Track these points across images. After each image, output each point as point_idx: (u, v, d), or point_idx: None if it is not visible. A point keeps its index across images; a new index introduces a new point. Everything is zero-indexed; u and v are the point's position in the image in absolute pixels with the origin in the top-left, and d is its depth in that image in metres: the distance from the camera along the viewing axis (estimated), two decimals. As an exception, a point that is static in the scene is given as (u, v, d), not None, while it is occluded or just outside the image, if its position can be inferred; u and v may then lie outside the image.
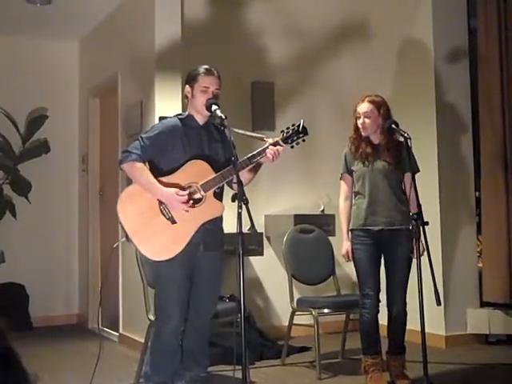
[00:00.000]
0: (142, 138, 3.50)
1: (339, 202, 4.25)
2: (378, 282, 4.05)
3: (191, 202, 3.40)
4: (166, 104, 5.11)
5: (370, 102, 4.08)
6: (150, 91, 5.24)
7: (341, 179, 4.25)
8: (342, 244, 4.21)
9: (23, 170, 6.62)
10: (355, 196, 4.17)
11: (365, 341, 4.10)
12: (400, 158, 4.03)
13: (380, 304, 4.07)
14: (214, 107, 3.43)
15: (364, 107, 4.06)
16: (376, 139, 4.10)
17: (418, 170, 4.09)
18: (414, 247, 3.60)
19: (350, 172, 4.18)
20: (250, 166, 3.50)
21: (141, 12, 5.53)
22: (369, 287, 4.02)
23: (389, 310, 4.08)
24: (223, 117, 3.36)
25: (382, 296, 4.09)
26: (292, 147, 3.57)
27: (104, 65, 6.39)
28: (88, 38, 6.88)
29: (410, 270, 4.01)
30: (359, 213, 4.07)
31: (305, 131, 3.53)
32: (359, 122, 4.07)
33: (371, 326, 4.05)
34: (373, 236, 4.04)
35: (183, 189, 3.40)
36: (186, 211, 3.38)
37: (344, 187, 4.23)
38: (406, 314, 4.06)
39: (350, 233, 4.14)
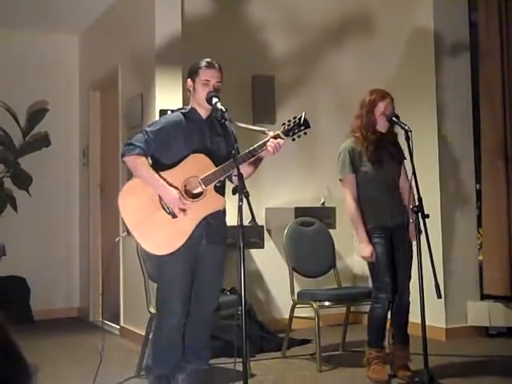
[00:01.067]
0: (146, 131, 3.49)
1: (348, 204, 4.10)
2: (393, 277, 4.06)
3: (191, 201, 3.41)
4: (167, 97, 5.10)
5: (393, 100, 4.04)
6: (150, 84, 5.24)
7: (343, 180, 4.12)
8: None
9: (24, 163, 6.63)
10: (367, 195, 4.10)
11: (373, 334, 4.12)
12: (400, 148, 4.06)
13: None
14: (214, 100, 3.43)
15: (391, 106, 4.00)
16: (379, 127, 4.09)
17: (405, 158, 4.10)
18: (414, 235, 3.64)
19: (354, 171, 4.10)
20: (251, 160, 3.50)
21: (141, 5, 5.52)
22: (386, 282, 4.03)
23: (397, 301, 4.10)
24: (224, 109, 3.36)
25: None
26: (293, 140, 3.57)
27: (104, 58, 6.38)
28: (88, 31, 6.86)
29: (412, 260, 4.04)
30: (378, 213, 4.08)
31: (306, 124, 3.52)
32: (385, 121, 4.00)
33: (382, 320, 4.07)
34: (387, 232, 4.07)
35: (182, 187, 3.40)
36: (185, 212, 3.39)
37: (350, 188, 4.09)
38: (409, 303, 4.10)
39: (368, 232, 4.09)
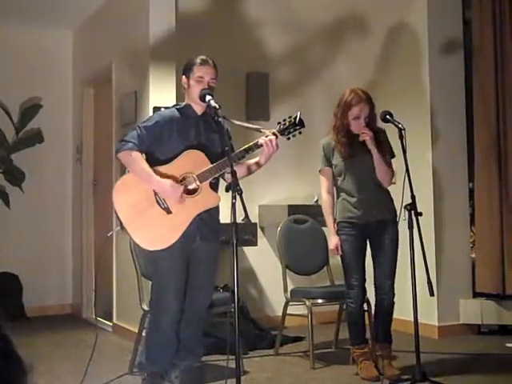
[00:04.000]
0: (139, 127, 3.50)
1: (322, 196, 4.23)
2: (363, 273, 4.09)
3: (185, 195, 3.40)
4: (161, 94, 5.10)
5: (371, 103, 4.04)
6: (144, 81, 5.23)
7: (320, 173, 4.22)
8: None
9: (17, 159, 6.60)
10: (339, 190, 4.15)
11: (352, 331, 4.14)
12: (379, 144, 4.05)
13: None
14: (207, 97, 3.43)
15: (366, 110, 4.00)
16: (354, 130, 4.09)
17: (394, 156, 4.14)
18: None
19: (330, 165, 4.17)
20: (246, 159, 3.51)
21: (135, 2, 5.51)
22: (354, 278, 4.06)
23: (378, 300, 4.10)
24: (217, 106, 3.36)
25: (370, 287, 4.13)
26: (288, 139, 3.58)
27: (98, 54, 6.36)
28: (83, 27, 6.84)
29: (396, 259, 4.05)
30: (347, 206, 4.08)
31: (301, 123, 3.53)
32: (359, 122, 3.99)
33: (357, 315, 4.09)
34: (359, 227, 4.06)
35: (178, 180, 3.39)
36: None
37: (325, 181, 4.20)
38: (393, 302, 4.10)
39: (336, 226, 4.14)
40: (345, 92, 4.10)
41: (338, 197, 4.18)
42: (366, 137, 3.98)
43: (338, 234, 4.11)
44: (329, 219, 4.15)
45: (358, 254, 4.07)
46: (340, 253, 4.09)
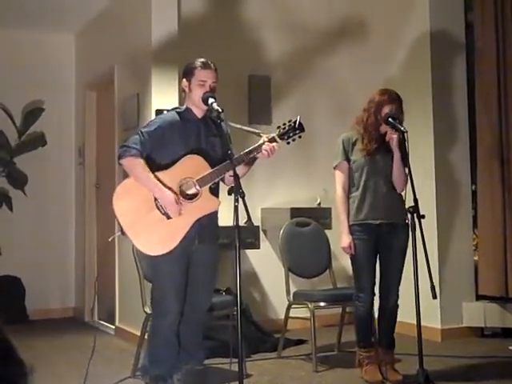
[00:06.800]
0: (142, 132, 3.49)
1: (337, 192, 4.12)
2: (374, 276, 4.06)
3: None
4: (163, 97, 5.10)
5: (401, 105, 4.00)
6: (146, 84, 5.23)
7: (336, 168, 4.12)
8: (338, 237, 4.20)
9: (19, 162, 6.62)
10: (352, 187, 4.09)
11: (359, 334, 4.12)
12: (399, 147, 4.03)
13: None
14: (210, 100, 3.43)
15: (398, 111, 3.95)
16: (382, 129, 4.06)
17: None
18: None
19: (348, 160, 4.10)
20: (245, 162, 3.51)
21: (138, 5, 5.52)
22: (365, 281, 4.02)
23: (382, 304, 4.09)
24: (220, 110, 3.36)
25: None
26: (288, 143, 3.58)
27: (100, 58, 6.38)
28: (85, 30, 6.85)
29: (404, 263, 4.02)
30: (359, 207, 4.03)
31: (301, 128, 3.53)
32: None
33: (366, 319, 4.07)
34: (370, 230, 4.02)
35: (177, 192, 3.39)
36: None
37: (341, 176, 4.09)
38: (397, 306, 4.09)
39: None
40: (376, 91, 4.06)
41: (351, 193, 4.10)
42: (394, 136, 3.94)
43: (350, 233, 4.05)
44: (342, 216, 4.06)
45: (369, 257, 4.04)
46: (352, 252, 4.03)
